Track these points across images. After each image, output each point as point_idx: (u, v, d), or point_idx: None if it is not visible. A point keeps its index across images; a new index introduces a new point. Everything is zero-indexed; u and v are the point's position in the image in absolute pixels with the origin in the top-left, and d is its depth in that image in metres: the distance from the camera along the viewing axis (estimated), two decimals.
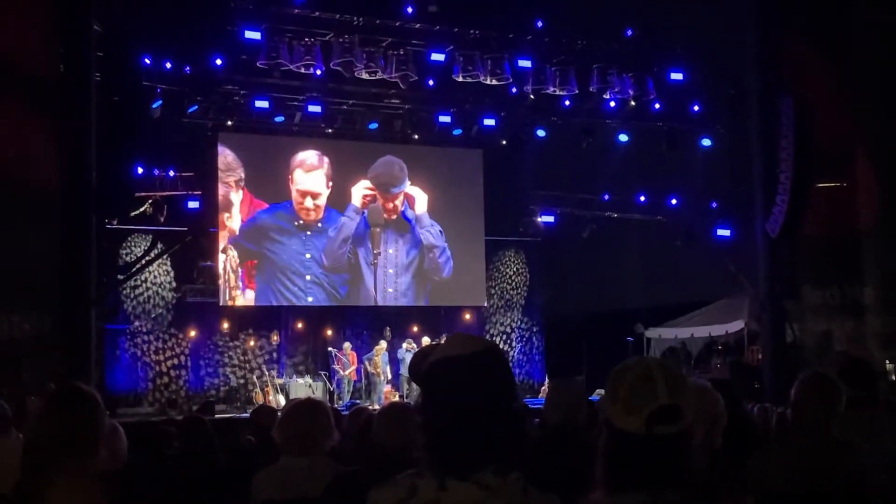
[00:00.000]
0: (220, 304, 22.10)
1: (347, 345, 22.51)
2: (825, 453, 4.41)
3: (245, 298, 22.32)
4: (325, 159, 22.98)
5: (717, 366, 22.27)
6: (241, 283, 22.15)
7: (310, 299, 22.89)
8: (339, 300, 23.14)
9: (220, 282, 21.94)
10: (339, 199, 23.10)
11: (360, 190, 23.16)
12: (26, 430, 3.43)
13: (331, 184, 22.99)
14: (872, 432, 4.97)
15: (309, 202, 22.83)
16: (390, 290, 23.51)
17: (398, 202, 23.59)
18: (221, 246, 21.93)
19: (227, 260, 21.96)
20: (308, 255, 22.76)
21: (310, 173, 22.87)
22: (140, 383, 21.85)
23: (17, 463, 3.32)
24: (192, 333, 22.44)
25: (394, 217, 23.47)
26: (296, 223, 22.72)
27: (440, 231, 23.96)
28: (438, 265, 23.96)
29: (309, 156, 22.93)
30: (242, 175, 22.31)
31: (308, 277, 22.76)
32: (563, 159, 24.18)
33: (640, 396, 2.54)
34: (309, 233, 22.81)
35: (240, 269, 22.15)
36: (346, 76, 20.11)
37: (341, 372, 22.05)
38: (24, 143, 15.21)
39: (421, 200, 23.73)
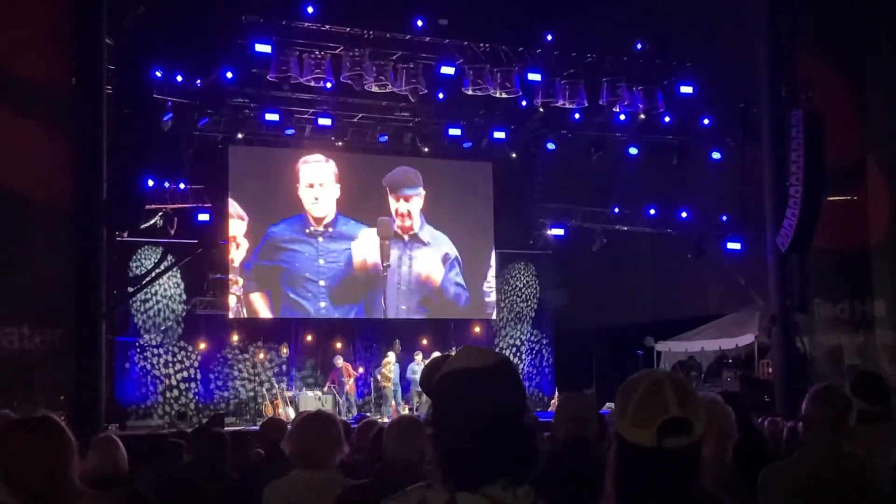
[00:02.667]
0: (230, 316, 22.17)
1: (338, 359, 22.54)
2: (836, 467, 4.39)
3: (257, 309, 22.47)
4: (332, 161, 23.05)
5: (728, 379, 22.20)
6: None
7: (322, 304, 22.91)
8: (348, 312, 23.18)
9: (229, 296, 22.05)
10: (349, 207, 23.20)
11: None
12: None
13: (338, 184, 23.07)
14: (884, 446, 4.95)
15: (318, 191, 22.89)
16: (401, 304, 23.49)
17: (412, 205, 23.58)
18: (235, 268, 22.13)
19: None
20: (321, 262, 22.82)
21: (314, 164, 22.94)
22: (150, 396, 21.85)
23: None
24: (202, 346, 22.45)
25: (408, 223, 23.50)
26: (307, 231, 22.79)
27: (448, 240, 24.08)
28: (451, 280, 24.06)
29: (313, 155, 23.00)
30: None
31: (322, 283, 22.81)
32: (572, 172, 24.20)
33: (649, 409, 2.54)
34: (321, 239, 22.88)
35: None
36: (356, 89, 20.17)
37: (347, 385, 22.17)
38: (36, 156, 15.25)
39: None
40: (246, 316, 22.45)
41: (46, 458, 3.27)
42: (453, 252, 24.00)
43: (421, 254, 23.71)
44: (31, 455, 3.25)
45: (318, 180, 22.86)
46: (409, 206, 23.63)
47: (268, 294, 22.50)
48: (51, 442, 3.30)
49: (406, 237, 23.53)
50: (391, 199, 23.48)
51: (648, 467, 2.53)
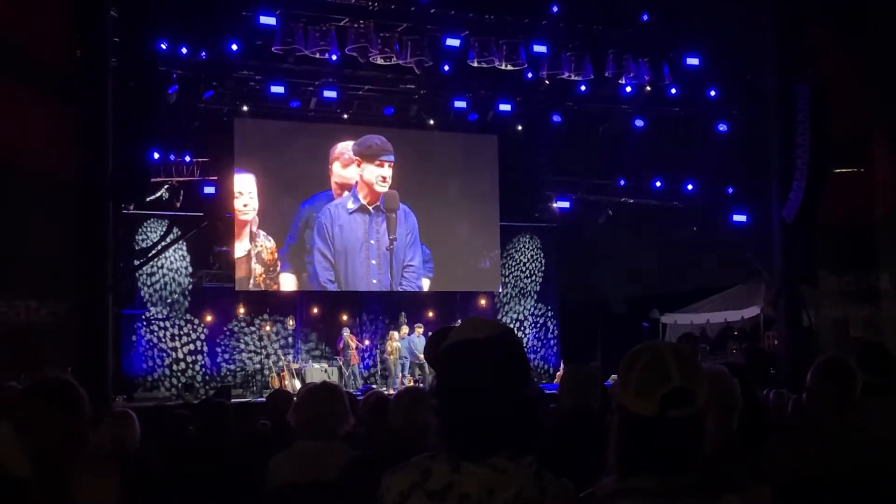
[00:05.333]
0: (237, 289, 22.23)
1: (345, 331, 22.65)
2: (841, 439, 4.40)
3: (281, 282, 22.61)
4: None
5: (733, 351, 22.24)
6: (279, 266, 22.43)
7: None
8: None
9: (239, 268, 22.06)
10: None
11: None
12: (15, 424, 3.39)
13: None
14: (889, 418, 4.96)
15: (346, 195, 23.09)
16: (360, 271, 23.38)
17: (387, 172, 23.46)
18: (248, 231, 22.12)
19: (253, 248, 22.12)
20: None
21: (347, 168, 22.98)
22: (157, 368, 21.94)
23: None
24: (209, 319, 22.52)
25: (383, 187, 23.39)
26: (331, 209, 22.92)
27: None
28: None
29: (346, 149, 23.03)
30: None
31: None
32: (578, 145, 24.13)
33: (652, 380, 2.54)
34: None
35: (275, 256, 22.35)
36: (361, 61, 20.07)
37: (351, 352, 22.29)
38: (40, 129, 15.24)
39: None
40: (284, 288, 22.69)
41: (62, 420, 3.29)
42: (415, 222, 23.95)
43: (388, 226, 23.59)
44: (48, 417, 3.28)
45: (350, 180, 23.06)
46: (387, 171, 23.48)
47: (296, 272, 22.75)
48: (67, 404, 3.33)
49: (371, 209, 23.43)
50: (367, 167, 23.29)
51: (651, 438, 2.53)
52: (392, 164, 23.48)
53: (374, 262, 23.30)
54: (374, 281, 23.42)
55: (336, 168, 22.95)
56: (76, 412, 3.33)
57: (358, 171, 23.30)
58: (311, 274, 22.74)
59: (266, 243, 22.27)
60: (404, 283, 23.82)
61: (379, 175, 23.33)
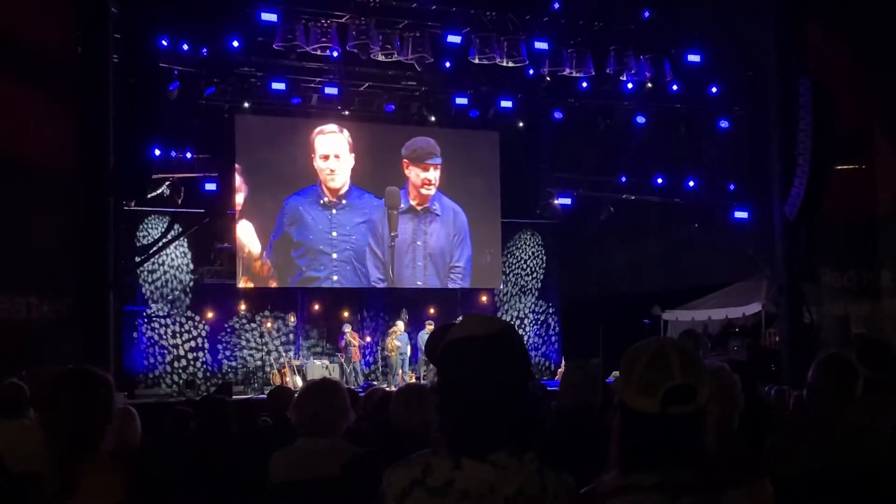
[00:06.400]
0: (238, 285, 22.17)
1: (347, 327, 22.64)
2: (842, 435, 4.40)
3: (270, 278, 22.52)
4: (346, 131, 22.96)
5: (735, 348, 22.21)
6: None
7: (335, 277, 22.87)
8: (359, 282, 23.14)
9: (238, 263, 22.02)
10: (362, 179, 23.14)
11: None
12: (40, 413, 3.44)
13: (353, 154, 23.01)
14: (890, 414, 4.96)
15: (333, 163, 22.78)
16: (407, 272, 23.43)
17: (433, 175, 23.58)
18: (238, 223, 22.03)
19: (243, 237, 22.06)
20: (334, 234, 22.76)
21: (329, 135, 22.85)
22: (158, 365, 21.93)
23: (35, 444, 3.34)
24: (210, 315, 22.50)
25: (430, 191, 23.53)
26: (321, 202, 22.75)
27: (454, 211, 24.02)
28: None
29: (328, 125, 22.91)
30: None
31: (335, 255, 22.78)
32: (579, 141, 24.08)
33: (654, 376, 2.54)
34: (335, 211, 22.82)
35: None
36: (362, 58, 20.03)
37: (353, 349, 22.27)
38: (41, 125, 15.25)
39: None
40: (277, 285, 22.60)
41: (92, 413, 3.32)
42: (465, 222, 23.95)
43: (436, 227, 23.65)
44: (80, 407, 3.30)
45: (333, 151, 22.78)
46: (432, 174, 23.57)
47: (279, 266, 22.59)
48: (99, 398, 3.36)
49: (420, 209, 23.46)
50: (413, 169, 23.38)
51: (653, 434, 2.53)
52: (438, 166, 23.55)
53: (419, 263, 23.33)
54: (419, 282, 23.50)
55: (318, 140, 22.76)
56: (104, 408, 3.38)
57: (406, 173, 23.40)
58: (298, 269, 22.65)
59: (251, 240, 22.22)
60: (450, 284, 23.95)
61: (424, 178, 23.37)
